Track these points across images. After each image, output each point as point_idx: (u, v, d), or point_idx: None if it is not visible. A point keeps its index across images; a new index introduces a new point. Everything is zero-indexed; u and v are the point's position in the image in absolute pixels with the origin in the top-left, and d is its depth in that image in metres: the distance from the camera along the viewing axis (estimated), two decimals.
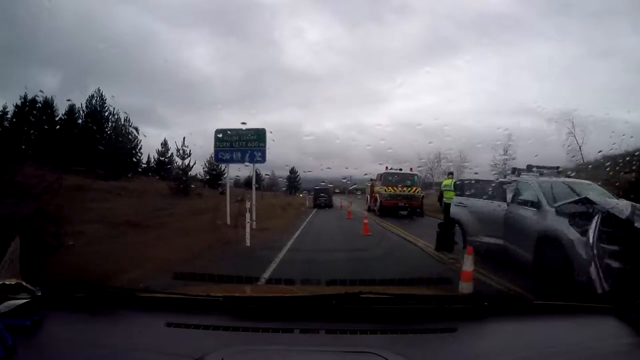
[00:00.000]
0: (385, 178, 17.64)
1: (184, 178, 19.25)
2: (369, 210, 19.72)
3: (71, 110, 20.79)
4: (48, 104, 19.65)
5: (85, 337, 1.29)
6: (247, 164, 12.04)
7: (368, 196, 21.62)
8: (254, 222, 10.19)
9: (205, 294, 1.55)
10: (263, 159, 11.82)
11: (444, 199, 8.98)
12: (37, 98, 18.92)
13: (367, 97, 53.90)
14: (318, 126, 47.05)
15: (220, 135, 11.92)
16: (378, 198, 17.70)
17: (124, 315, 1.44)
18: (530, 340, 1.35)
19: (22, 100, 18.67)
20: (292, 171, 33.18)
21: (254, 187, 12.30)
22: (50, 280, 1.55)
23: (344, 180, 19.00)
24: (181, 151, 19.55)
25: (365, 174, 19.93)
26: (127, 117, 22.48)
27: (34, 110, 19.13)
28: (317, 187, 24.03)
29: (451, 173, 9.72)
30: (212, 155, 12.11)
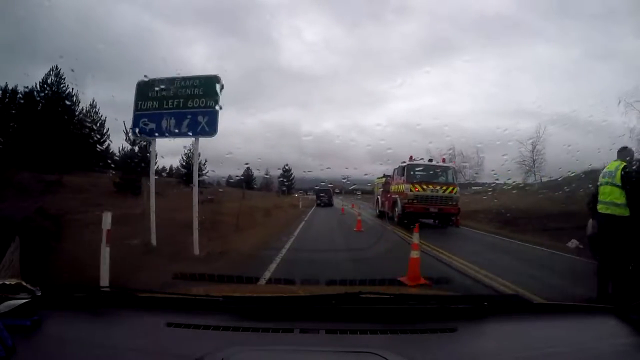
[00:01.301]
0: (410, 172, 12.76)
1: (132, 171, 14.17)
2: (383, 216, 15.29)
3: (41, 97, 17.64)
4: (30, 96, 17.46)
5: (85, 337, 1.29)
6: (179, 134, 6.91)
7: (378, 198, 17.12)
8: (197, 245, 6.36)
9: (205, 294, 1.55)
10: (212, 128, 6.70)
11: (602, 205, 4.32)
12: (17, 89, 17.00)
13: (366, 97, 54.07)
14: (317, 126, 47.11)
15: (144, 90, 6.94)
16: (398, 201, 12.82)
17: (124, 315, 1.44)
18: (530, 340, 1.35)
19: (2, 90, 17.05)
20: (286, 169, 30.44)
21: (195, 178, 7.26)
22: (50, 280, 1.55)
23: (344, 180, 15.71)
24: (130, 134, 14.55)
25: (366, 174, 17.23)
26: (93, 102, 18.76)
27: (12, 103, 17.13)
28: (318, 188, 25.08)
29: (625, 148, 4.49)
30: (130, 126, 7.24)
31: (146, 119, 6.95)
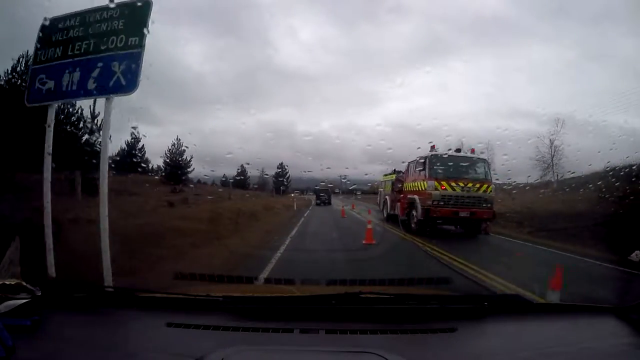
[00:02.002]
0: (434, 166, 10.18)
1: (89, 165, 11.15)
2: (393, 221, 12.50)
3: None
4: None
5: (85, 337, 1.29)
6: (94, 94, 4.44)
7: (387, 198, 14.42)
8: (109, 277, 3.83)
9: (205, 294, 1.55)
10: (130, 80, 4.21)
11: None
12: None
13: (366, 97, 54.15)
14: (317, 126, 47.07)
15: (48, 35, 4.66)
16: (417, 203, 10.21)
17: (124, 315, 1.44)
18: (530, 340, 1.35)
19: None
20: (281, 167, 28.70)
21: (104, 163, 4.18)
22: (50, 280, 1.55)
23: (344, 180, 15.04)
24: (88, 122, 11.81)
25: (366, 174, 16.35)
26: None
27: None
28: (318, 187, 25.49)
29: None
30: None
31: (44, 76, 4.57)
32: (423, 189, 10.18)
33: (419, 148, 11.19)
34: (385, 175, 15.52)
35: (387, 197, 14.59)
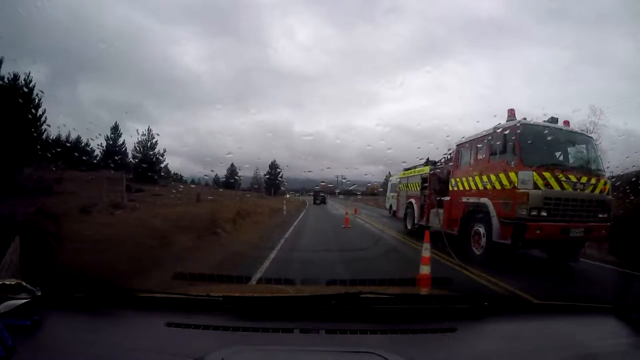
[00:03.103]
0: (527, 145, 5.98)
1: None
2: (415, 236, 8.62)
3: None
4: None
5: (85, 337, 1.29)
6: None
7: (412, 202, 10.16)
8: None
9: (205, 294, 1.55)
10: None
11: None
12: None
13: (366, 98, 54.23)
14: (317, 127, 47.21)
15: None
16: (492, 212, 6.19)
17: (124, 315, 1.44)
18: (530, 340, 1.36)
19: None
20: (273, 167, 27.23)
21: None
22: (50, 280, 1.55)
23: (344, 180, 14.26)
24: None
25: (365, 174, 16.56)
26: (28, 78, 12.71)
27: None
28: (318, 188, 27.55)
29: None
30: None
31: None
32: (505, 185, 6.06)
33: (419, 148, 10.79)
34: (407, 170, 11.01)
35: (412, 200, 10.11)
